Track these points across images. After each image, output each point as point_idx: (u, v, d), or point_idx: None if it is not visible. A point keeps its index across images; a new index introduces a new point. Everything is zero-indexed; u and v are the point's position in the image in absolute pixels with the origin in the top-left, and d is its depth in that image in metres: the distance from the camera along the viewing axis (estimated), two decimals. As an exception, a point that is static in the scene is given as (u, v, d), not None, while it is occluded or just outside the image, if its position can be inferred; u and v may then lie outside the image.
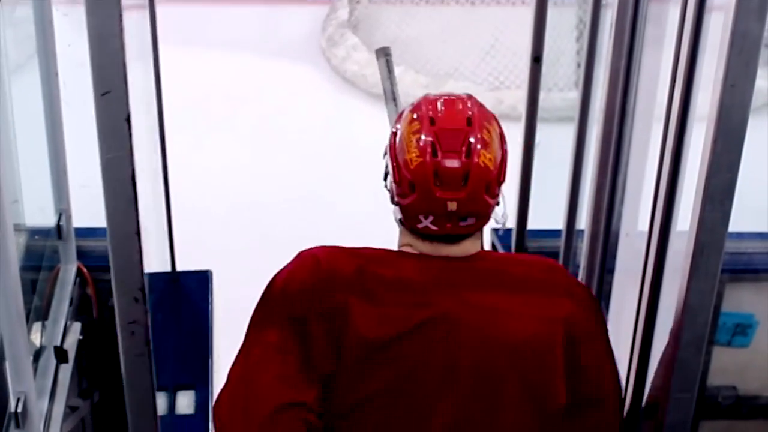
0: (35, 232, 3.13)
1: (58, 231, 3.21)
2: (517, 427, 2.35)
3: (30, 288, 2.90)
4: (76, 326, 3.18)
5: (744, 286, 2.76)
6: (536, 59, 3.42)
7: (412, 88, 5.72)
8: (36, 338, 2.84)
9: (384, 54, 2.90)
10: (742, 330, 2.75)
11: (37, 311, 2.94)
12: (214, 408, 2.44)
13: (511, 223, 3.71)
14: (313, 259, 2.37)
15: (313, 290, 2.33)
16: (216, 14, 7.11)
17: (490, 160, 2.30)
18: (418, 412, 2.32)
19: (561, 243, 3.52)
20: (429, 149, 2.28)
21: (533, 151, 3.40)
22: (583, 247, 3.19)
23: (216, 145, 5.82)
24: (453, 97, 2.42)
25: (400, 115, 2.42)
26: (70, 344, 3.07)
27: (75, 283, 3.27)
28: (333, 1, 6.56)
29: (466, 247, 2.37)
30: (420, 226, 2.32)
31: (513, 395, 2.33)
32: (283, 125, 5.64)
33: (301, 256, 2.40)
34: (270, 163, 5.24)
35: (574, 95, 3.43)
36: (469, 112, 2.37)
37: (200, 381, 3.55)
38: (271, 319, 2.36)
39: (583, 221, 3.24)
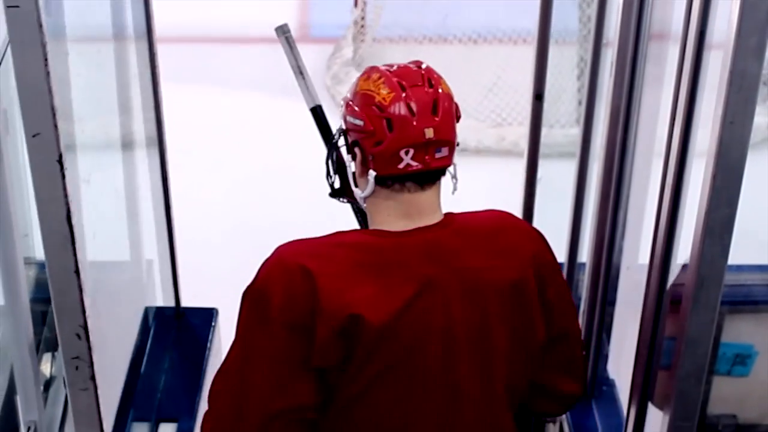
0: (45, 265, 3.15)
1: (68, 264, 3.22)
2: (510, 371, 2.51)
3: (40, 319, 2.91)
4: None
5: (743, 318, 2.76)
6: (538, 97, 3.44)
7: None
8: (46, 368, 2.85)
9: (282, 32, 2.92)
10: (742, 360, 2.76)
11: (47, 342, 2.95)
12: (203, 423, 2.50)
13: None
14: (299, 266, 2.39)
15: (312, 297, 2.37)
16: (220, 53, 7.15)
17: (449, 89, 2.45)
18: (424, 378, 2.44)
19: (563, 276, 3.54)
20: (397, 86, 2.40)
21: (536, 186, 3.42)
22: (585, 279, 3.20)
23: (221, 181, 5.83)
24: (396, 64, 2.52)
25: (345, 97, 2.51)
26: (79, 375, 3.08)
27: (84, 315, 3.28)
28: (337, 39, 6.58)
29: (435, 197, 2.47)
30: (401, 165, 2.38)
31: (502, 342, 2.48)
32: (288, 161, 5.65)
33: (285, 264, 2.42)
34: (276, 199, 5.25)
35: (576, 132, 3.45)
36: (417, 62, 2.51)
37: (185, 415, 3.56)
38: (268, 331, 2.40)
39: (585, 254, 3.25)
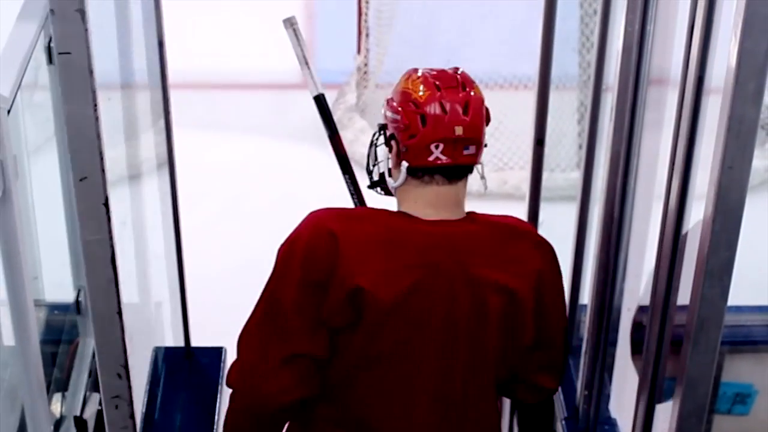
0: (54, 308, 3.15)
1: (77, 306, 3.22)
2: (499, 365, 2.72)
3: (50, 360, 2.91)
4: (95, 397, 3.18)
5: (743, 357, 2.77)
6: (539, 142, 3.45)
7: (418, 170, 5.77)
8: (56, 409, 2.86)
9: (290, 24, 3.12)
10: (742, 399, 2.76)
11: (58, 383, 2.95)
12: (230, 369, 2.69)
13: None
14: (327, 229, 2.60)
15: (332, 259, 2.56)
16: (227, 98, 7.17)
17: (481, 94, 2.66)
18: (423, 358, 2.64)
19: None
20: (433, 86, 2.60)
21: (537, 230, 3.41)
22: (587, 321, 3.19)
23: (228, 224, 5.84)
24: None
25: (387, 98, 2.70)
26: (90, 415, 3.07)
27: (93, 356, 3.28)
28: (341, 85, 6.61)
29: (460, 192, 2.67)
30: (431, 158, 2.58)
31: (495, 339, 2.68)
32: (293, 205, 5.65)
33: (315, 224, 2.64)
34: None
35: (576, 175, 3.45)
36: (454, 68, 2.71)
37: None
38: (290, 282, 2.59)
39: (587, 296, 3.24)
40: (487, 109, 2.67)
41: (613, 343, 3.16)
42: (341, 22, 7.00)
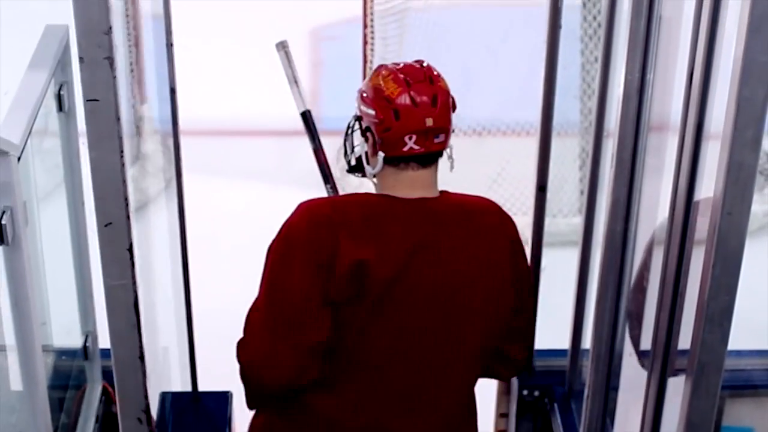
0: (63, 353, 3.15)
1: (85, 352, 3.22)
2: (485, 329, 2.86)
3: (58, 406, 2.90)
4: (103, 443, 3.18)
5: (744, 401, 2.76)
6: (541, 188, 3.45)
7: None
8: (63, 454, 2.85)
9: (282, 47, 3.34)
10: (742, 442, 2.75)
11: (65, 428, 2.94)
12: (237, 350, 2.81)
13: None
14: (323, 213, 2.77)
15: (334, 238, 2.70)
16: (233, 145, 7.18)
17: (446, 85, 2.82)
18: (414, 322, 2.79)
19: (567, 362, 3.53)
20: (404, 82, 2.76)
21: (540, 275, 3.41)
22: (589, 365, 3.18)
23: (234, 271, 5.83)
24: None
25: (360, 89, 2.89)
26: (96, 460, 3.07)
27: (101, 401, 3.27)
28: (347, 133, 6.62)
29: (433, 175, 2.84)
30: (405, 148, 2.76)
31: (478, 302, 2.83)
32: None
33: (309, 211, 2.79)
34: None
35: (578, 220, 3.45)
36: (419, 62, 2.87)
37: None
38: (295, 269, 2.72)
39: (588, 341, 3.23)
40: (453, 99, 2.83)
41: (615, 388, 3.15)
42: (346, 70, 7.02)
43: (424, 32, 6.13)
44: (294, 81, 3.35)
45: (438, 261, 2.78)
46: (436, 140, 2.77)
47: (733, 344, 2.21)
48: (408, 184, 2.81)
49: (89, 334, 3.23)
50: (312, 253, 2.71)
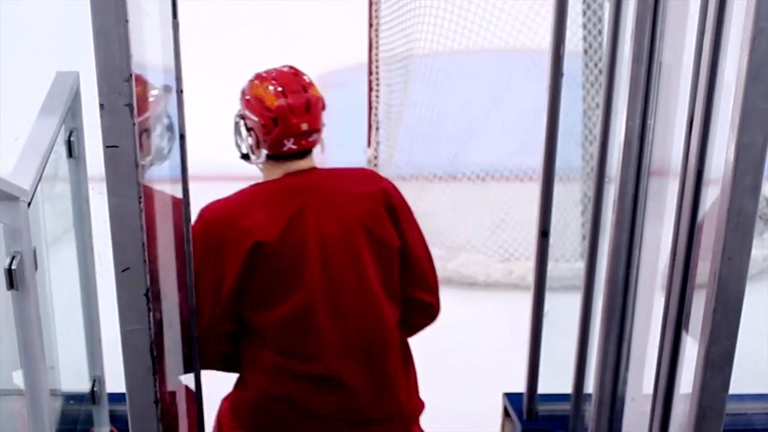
0: (70, 397, 3.13)
1: (93, 396, 3.20)
2: (379, 269, 3.25)
3: (65, 450, 2.89)
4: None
5: (745, 446, 2.74)
6: (544, 233, 3.45)
7: (426, 260, 5.76)
8: (70, 499, 2.83)
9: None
10: (744, 487, 2.73)
11: (71, 472, 2.93)
12: None
13: (522, 387, 3.70)
14: (216, 211, 3.23)
15: (228, 226, 3.17)
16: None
17: (317, 92, 3.26)
18: (309, 276, 3.20)
19: (570, 406, 3.52)
20: (281, 93, 3.21)
21: (543, 319, 3.41)
22: (591, 410, 3.17)
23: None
24: (278, 67, 3.33)
25: (244, 92, 3.28)
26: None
27: (107, 445, 3.26)
28: (352, 177, 6.63)
29: (309, 161, 3.28)
30: (284, 148, 3.22)
31: (366, 248, 3.24)
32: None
33: (205, 214, 3.22)
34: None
35: (581, 265, 3.45)
36: (293, 70, 3.31)
37: None
38: (202, 266, 3.08)
39: (591, 386, 3.22)
40: (323, 101, 3.27)
41: None
42: (352, 116, 7.04)
43: (428, 78, 6.15)
44: None
45: (317, 222, 3.21)
46: (310, 139, 3.25)
47: (734, 388, 2.21)
48: (288, 171, 3.27)
49: (97, 379, 3.22)
50: (207, 249, 3.14)
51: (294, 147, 3.22)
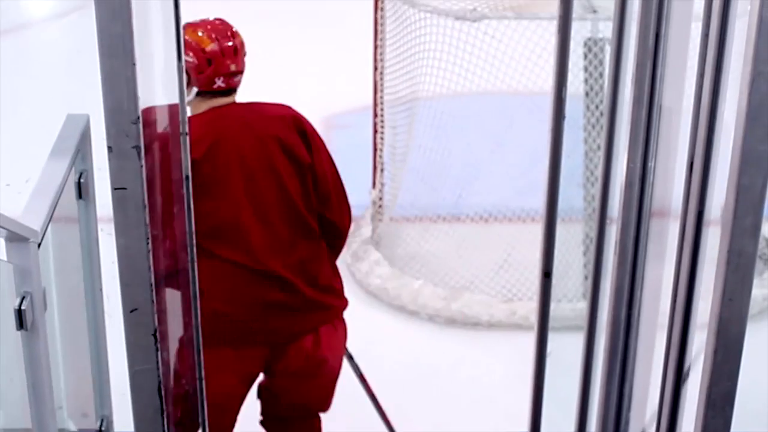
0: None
1: (100, 435, 3.20)
2: (296, 182, 3.84)
3: (73, 489, 2.88)
4: None
5: (746, 487, 2.73)
6: (546, 274, 3.44)
7: (431, 300, 5.75)
8: None
9: None
10: None
11: None
12: None
13: (526, 426, 3.68)
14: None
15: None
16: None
17: (242, 39, 3.88)
18: (235, 190, 3.79)
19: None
20: (215, 39, 3.83)
21: (545, 359, 3.40)
22: (594, 450, 3.16)
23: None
24: (204, 18, 3.92)
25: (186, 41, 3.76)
26: None
27: (114, 485, 3.25)
28: (357, 219, 6.63)
29: (232, 99, 3.91)
30: (215, 86, 3.84)
31: (280, 157, 3.84)
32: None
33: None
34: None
35: (583, 306, 3.44)
36: (219, 20, 3.91)
37: None
38: None
39: (594, 425, 3.21)
40: (245, 46, 3.90)
41: (621, 471, 3.12)
42: (357, 157, 7.05)
43: (432, 121, 6.16)
44: None
45: (238, 143, 3.79)
46: (236, 79, 3.89)
47: (735, 428, 2.20)
48: (214, 106, 3.87)
49: (105, 419, 3.21)
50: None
51: (223, 85, 3.85)
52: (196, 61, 3.79)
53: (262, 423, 4.17)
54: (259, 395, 4.11)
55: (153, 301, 2.28)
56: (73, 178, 2.87)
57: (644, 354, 2.97)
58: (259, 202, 3.78)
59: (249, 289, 3.81)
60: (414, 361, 5.48)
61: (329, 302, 3.99)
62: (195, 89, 3.81)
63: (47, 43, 9.76)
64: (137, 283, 2.27)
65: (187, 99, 3.38)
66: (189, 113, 3.54)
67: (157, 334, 2.32)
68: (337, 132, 8.12)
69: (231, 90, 3.87)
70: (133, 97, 2.19)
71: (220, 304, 3.75)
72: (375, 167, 6.59)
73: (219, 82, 3.82)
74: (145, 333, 2.31)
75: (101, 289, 3.10)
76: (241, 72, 3.88)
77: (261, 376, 4.06)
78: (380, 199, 6.49)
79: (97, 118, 2.44)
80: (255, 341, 3.85)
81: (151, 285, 2.28)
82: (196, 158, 3.48)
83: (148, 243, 2.24)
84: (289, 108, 3.99)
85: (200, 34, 3.83)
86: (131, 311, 2.29)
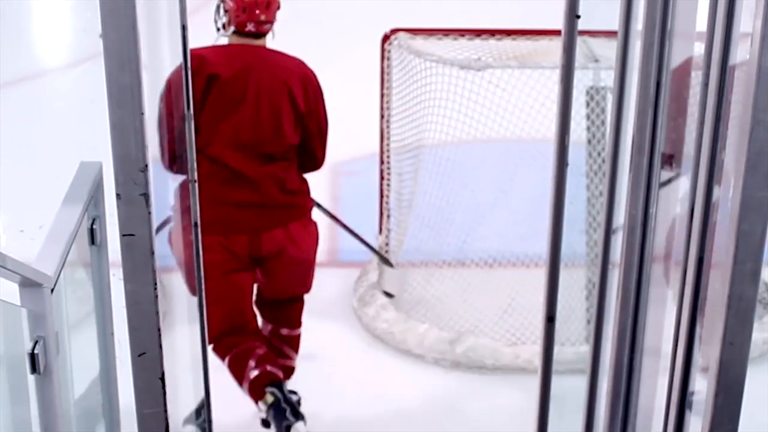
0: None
1: (111, 477, 3.19)
2: (285, 113, 4.77)
3: None
4: None
5: None
6: (550, 319, 3.44)
7: (436, 344, 5.74)
8: None
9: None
10: None
11: None
12: None
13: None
14: (198, 57, 4.56)
15: (195, 62, 3.94)
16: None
17: None
18: (245, 108, 4.71)
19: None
20: None
21: (549, 403, 3.39)
22: (598, 492, 3.15)
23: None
24: None
25: None
26: None
27: None
28: (364, 264, 6.63)
29: (262, 42, 4.81)
30: (247, 29, 4.74)
31: (285, 99, 4.76)
32: (315, 380, 5.64)
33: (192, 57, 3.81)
34: (307, 411, 5.21)
35: (585, 349, 3.43)
36: None
37: None
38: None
39: (597, 468, 3.20)
40: (278, 2, 4.80)
41: None
42: (363, 204, 7.05)
43: (437, 167, 6.17)
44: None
45: (258, 76, 4.70)
46: (265, 27, 4.76)
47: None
48: (244, 44, 4.77)
49: (115, 460, 3.21)
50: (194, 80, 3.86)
51: (253, 29, 4.74)
52: (235, 8, 4.71)
53: (256, 304, 5.09)
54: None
55: (160, 346, 2.28)
56: (86, 224, 2.88)
57: (646, 397, 2.96)
58: (258, 127, 4.72)
59: (232, 189, 4.75)
60: (419, 403, 5.46)
61: (294, 202, 4.95)
62: (232, 29, 4.75)
63: (60, 92, 9.79)
64: (145, 328, 2.27)
65: (226, 33, 4.76)
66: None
67: (164, 378, 2.32)
68: (345, 178, 8.13)
69: (260, 34, 4.77)
70: (141, 146, 2.20)
71: (213, 200, 4.56)
72: (381, 213, 6.59)
73: (250, 27, 4.73)
74: (153, 377, 2.31)
75: (112, 333, 3.10)
76: (270, 22, 4.76)
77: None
78: (387, 244, 6.49)
79: (110, 166, 2.45)
80: (237, 230, 4.80)
81: (159, 329, 2.28)
82: (222, 76, 4.63)
83: (155, 288, 2.25)
84: (303, 65, 4.87)
85: None
86: (139, 355, 2.29)
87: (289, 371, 5.16)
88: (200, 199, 3.46)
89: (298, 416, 4.69)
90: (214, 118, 4.66)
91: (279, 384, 4.78)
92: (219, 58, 4.71)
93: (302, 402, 4.89)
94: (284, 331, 5.19)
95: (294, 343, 5.21)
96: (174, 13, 3.04)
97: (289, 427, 4.67)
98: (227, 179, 4.76)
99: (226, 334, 4.85)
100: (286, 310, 5.19)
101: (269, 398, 4.72)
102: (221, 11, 4.75)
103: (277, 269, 4.99)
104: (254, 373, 4.80)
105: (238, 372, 4.82)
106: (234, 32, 4.76)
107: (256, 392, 4.77)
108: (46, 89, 10.06)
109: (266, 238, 4.88)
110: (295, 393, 4.92)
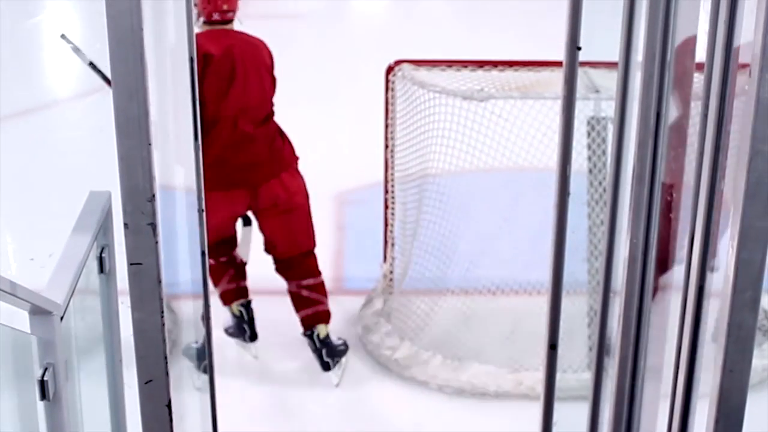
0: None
1: (119, 504, 3.17)
2: (266, 79, 5.59)
3: None
4: None
5: None
6: (552, 346, 3.44)
7: (440, 371, 5.73)
8: None
9: (67, 41, 5.51)
10: None
11: None
12: None
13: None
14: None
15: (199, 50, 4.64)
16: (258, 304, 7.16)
17: None
18: (234, 82, 5.42)
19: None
20: None
21: (552, 429, 3.38)
22: None
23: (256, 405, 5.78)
24: None
25: None
26: None
27: None
28: (368, 292, 6.62)
29: (231, 27, 5.52)
30: (213, 18, 5.48)
31: (264, 67, 5.57)
32: (320, 407, 5.63)
33: None
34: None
35: (587, 376, 3.43)
36: None
37: None
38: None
39: (600, 493, 3.19)
40: None
41: None
42: (368, 232, 7.05)
43: (441, 196, 6.18)
44: (87, 59, 5.45)
45: (241, 54, 5.44)
46: (229, 15, 5.50)
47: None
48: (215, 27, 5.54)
49: (123, 486, 3.20)
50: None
51: (218, 18, 5.47)
52: (201, 2, 5.45)
53: (276, 269, 5.85)
54: (266, 248, 5.85)
55: (167, 374, 2.28)
56: (95, 253, 2.88)
57: (647, 424, 2.95)
58: (249, 95, 5.44)
59: (233, 153, 5.46)
60: (423, 430, 5.45)
61: (282, 155, 5.65)
62: (201, 20, 5.48)
63: (71, 122, 9.83)
64: (152, 355, 2.27)
65: (198, 23, 5.45)
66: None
67: (171, 405, 2.32)
68: (350, 207, 8.14)
69: (226, 21, 5.53)
70: (149, 176, 2.21)
71: (216, 157, 5.38)
72: (386, 242, 6.59)
73: (215, 16, 5.48)
74: (159, 404, 2.31)
75: (121, 361, 3.10)
76: (233, 10, 5.52)
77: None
78: (391, 272, 6.49)
79: (119, 195, 2.46)
80: (237, 184, 5.52)
81: (166, 357, 2.28)
82: (214, 54, 5.35)
83: (162, 317, 2.25)
84: (263, 41, 5.65)
85: None
86: (146, 383, 2.29)
87: (326, 315, 5.83)
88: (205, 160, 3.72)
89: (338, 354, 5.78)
90: (216, 92, 5.40)
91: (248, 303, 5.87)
92: (206, 41, 5.40)
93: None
94: (309, 281, 5.82)
95: (321, 289, 5.86)
96: (182, 44, 3.05)
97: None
98: (228, 145, 5.44)
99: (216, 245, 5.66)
100: (303, 264, 5.84)
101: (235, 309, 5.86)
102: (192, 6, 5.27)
103: (278, 220, 5.71)
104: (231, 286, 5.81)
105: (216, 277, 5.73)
106: (204, 22, 5.52)
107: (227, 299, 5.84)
108: (57, 119, 10.10)
109: (264, 190, 5.61)
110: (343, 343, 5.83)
